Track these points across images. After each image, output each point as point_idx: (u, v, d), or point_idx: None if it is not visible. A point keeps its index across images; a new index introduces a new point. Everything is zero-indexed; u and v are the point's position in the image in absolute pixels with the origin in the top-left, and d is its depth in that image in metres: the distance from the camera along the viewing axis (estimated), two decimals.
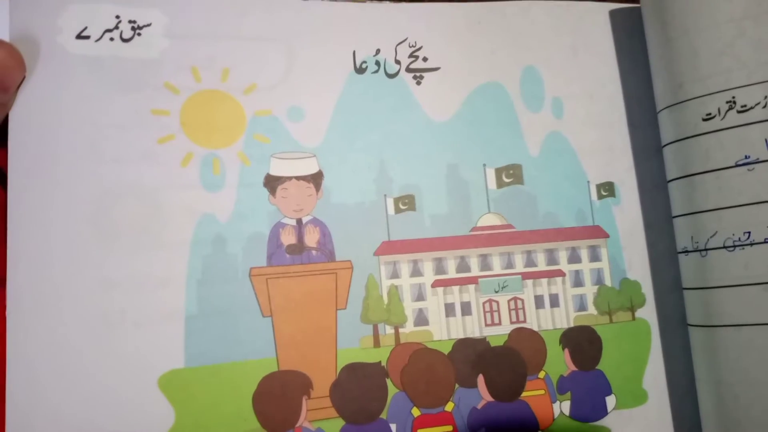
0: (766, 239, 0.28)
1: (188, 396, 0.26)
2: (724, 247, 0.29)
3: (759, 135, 0.28)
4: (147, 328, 0.26)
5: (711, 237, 0.29)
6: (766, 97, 0.28)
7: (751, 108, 0.28)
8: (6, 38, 0.25)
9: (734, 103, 0.28)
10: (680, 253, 0.31)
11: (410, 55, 0.31)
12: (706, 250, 0.29)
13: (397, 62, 0.31)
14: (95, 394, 0.25)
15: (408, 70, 0.31)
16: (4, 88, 0.24)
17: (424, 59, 0.31)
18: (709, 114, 0.29)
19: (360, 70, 0.30)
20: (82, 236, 0.26)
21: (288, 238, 0.28)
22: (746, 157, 0.28)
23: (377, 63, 0.31)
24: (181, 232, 0.27)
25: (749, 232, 0.28)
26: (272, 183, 0.28)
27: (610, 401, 0.31)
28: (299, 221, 0.29)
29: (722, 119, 0.29)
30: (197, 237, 0.27)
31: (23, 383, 0.25)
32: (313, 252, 0.29)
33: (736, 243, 0.28)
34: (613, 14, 0.34)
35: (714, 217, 0.29)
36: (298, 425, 0.27)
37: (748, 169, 0.28)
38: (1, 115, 0.25)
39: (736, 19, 0.28)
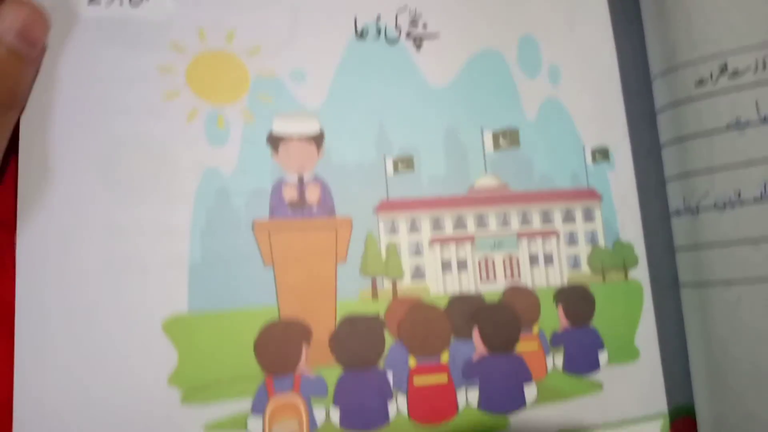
0: (755, 198, 0.28)
1: (191, 340, 0.27)
2: (715, 207, 0.29)
3: (750, 98, 0.29)
4: (152, 274, 0.27)
5: (703, 198, 0.30)
6: (757, 60, 0.28)
7: (744, 72, 0.29)
8: None
9: (726, 67, 0.29)
10: (673, 215, 0.31)
11: (410, 22, 0.32)
12: (697, 210, 0.30)
13: (398, 29, 0.32)
14: (101, 335, 0.26)
15: (408, 36, 0.32)
16: (31, 42, 0.25)
17: (424, 26, 0.32)
18: (702, 79, 0.30)
19: (361, 35, 0.31)
20: (91, 186, 0.27)
21: (290, 194, 0.29)
22: (737, 120, 0.29)
23: (378, 29, 0.32)
24: (186, 183, 0.28)
25: (740, 191, 0.29)
26: (275, 141, 0.30)
27: (603, 357, 0.31)
28: (301, 178, 0.30)
29: (715, 84, 0.29)
30: (202, 189, 0.28)
31: (31, 323, 0.26)
32: (314, 208, 0.30)
33: (727, 203, 0.29)
34: None
35: (706, 179, 0.30)
36: (297, 370, 0.28)
37: (739, 132, 0.29)
38: (31, 73, 0.26)
39: None
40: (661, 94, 0.31)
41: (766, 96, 0.28)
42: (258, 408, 0.28)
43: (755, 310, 0.28)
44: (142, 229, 0.27)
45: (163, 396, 0.26)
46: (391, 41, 0.32)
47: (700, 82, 0.29)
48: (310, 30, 0.31)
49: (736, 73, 0.28)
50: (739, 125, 0.29)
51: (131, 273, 0.27)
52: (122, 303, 0.27)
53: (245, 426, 0.27)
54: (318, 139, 0.30)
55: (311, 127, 0.30)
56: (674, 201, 0.31)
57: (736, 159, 0.29)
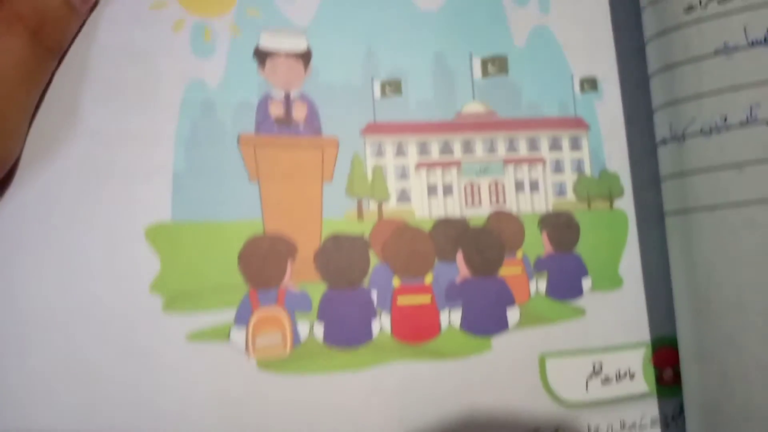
0: (741, 122, 0.28)
1: (174, 248, 0.27)
2: (702, 132, 0.29)
3: (738, 23, 0.29)
4: (135, 180, 0.27)
5: (689, 124, 0.30)
6: None
7: None
8: None
9: None
10: (659, 144, 0.32)
11: None
12: (684, 137, 0.30)
13: None
14: (83, 240, 0.26)
15: None
16: None
17: None
18: (691, 5, 0.30)
19: None
20: (75, 92, 0.27)
21: (276, 110, 0.29)
22: (725, 45, 0.29)
23: None
24: (171, 93, 0.28)
25: (726, 116, 0.29)
26: (262, 56, 0.29)
27: (586, 283, 0.32)
28: (287, 95, 0.29)
29: (704, 9, 0.29)
30: (186, 100, 0.28)
31: (10, 227, 0.26)
32: (301, 126, 0.30)
33: (713, 128, 0.29)
34: None
35: (693, 105, 0.30)
36: (282, 285, 0.28)
37: (727, 57, 0.29)
38: (76, 27, 0.27)
39: None
40: (650, 23, 0.31)
41: (755, 20, 0.28)
42: (241, 319, 0.28)
43: (738, 233, 0.28)
44: (126, 137, 0.27)
45: (145, 303, 0.27)
46: None
47: (690, 8, 0.29)
48: None
49: None
50: (727, 50, 0.29)
51: (114, 180, 0.27)
52: (105, 209, 0.27)
53: (228, 337, 0.27)
54: (305, 57, 0.30)
55: (299, 44, 0.30)
56: (661, 130, 0.31)
57: (724, 84, 0.29)
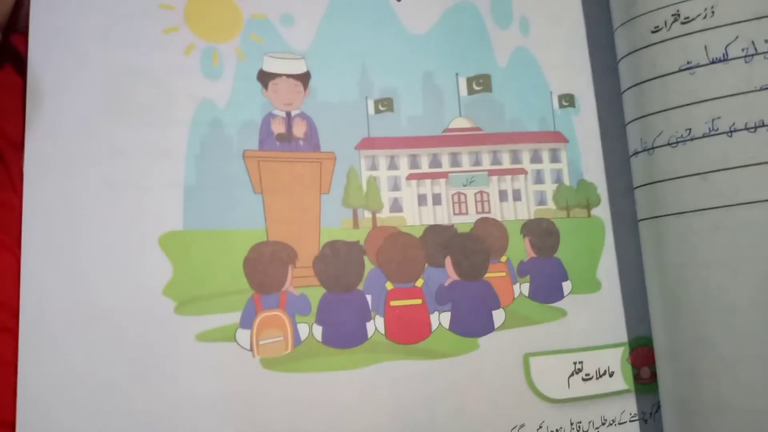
0: (704, 134, 0.31)
1: (185, 255, 0.29)
2: (669, 144, 0.32)
3: (699, 43, 0.31)
4: (150, 193, 0.29)
5: (657, 136, 0.32)
6: (705, 8, 0.31)
7: (694, 19, 0.31)
8: None
9: (679, 15, 0.32)
10: (632, 156, 0.34)
11: None
12: (653, 148, 0.32)
13: None
14: (102, 247, 0.28)
15: None
16: None
17: None
18: (657, 26, 0.32)
19: None
20: (94, 110, 0.29)
21: (278, 128, 0.32)
22: (688, 63, 0.31)
23: None
24: (182, 112, 0.30)
25: (690, 129, 0.31)
26: (265, 78, 0.32)
27: (566, 286, 0.34)
28: (288, 114, 0.32)
29: (668, 30, 0.32)
30: (197, 118, 0.30)
31: (37, 233, 0.28)
32: (300, 142, 0.32)
33: (679, 139, 0.32)
34: None
35: (660, 118, 0.32)
36: (283, 289, 0.31)
37: (690, 74, 0.31)
38: (9, 4, 0.28)
39: None
40: (621, 43, 0.34)
41: (713, 40, 0.31)
42: (246, 321, 0.30)
43: (703, 237, 0.31)
44: (142, 151, 0.29)
45: (158, 305, 0.29)
46: None
47: (656, 29, 0.32)
48: None
49: (687, 20, 0.31)
50: (689, 68, 0.31)
51: (131, 191, 0.29)
52: (122, 218, 0.29)
53: (234, 337, 0.30)
54: (304, 79, 0.32)
55: (298, 67, 0.32)
56: (633, 142, 0.34)
57: (687, 99, 0.31)
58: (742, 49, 0.30)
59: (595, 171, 0.35)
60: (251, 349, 0.30)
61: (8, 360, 0.27)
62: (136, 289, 0.28)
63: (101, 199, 0.29)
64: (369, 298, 0.32)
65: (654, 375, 0.33)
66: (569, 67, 0.36)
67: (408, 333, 0.32)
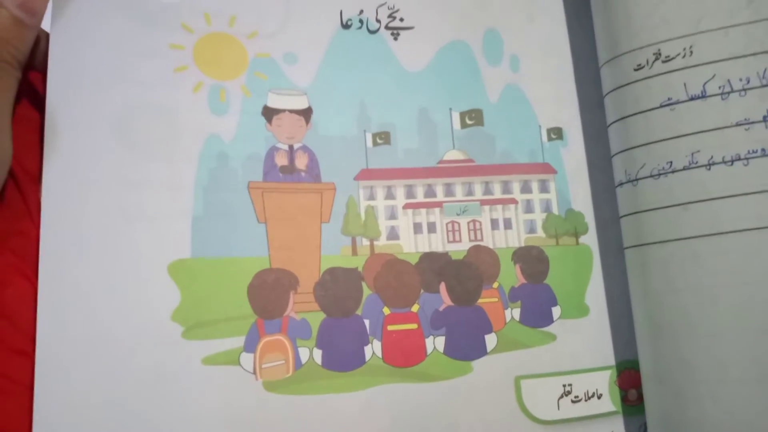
0: (685, 167, 0.33)
1: (193, 281, 0.31)
2: (651, 176, 0.33)
3: (679, 80, 0.33)
4: (160, 223, 0.31)
5: (641, 168, 0.34)
6: (684, 48, 0.33)
7: (674, 58, 0.33)
8: None
9: (660, 54, 0.33)
10: (618, 186, 0.36)
11: (389, 16, 0.37)
12: (637, 180, 0.34)
13: (378, 21, 0.36)
14: (114, 274, 0.30)
15: (387, 27, 0.36)
16: (32, 11, 0.29)
17: (401, 19, 0.37)
18: (640, 64, 0.34)
19: (346, 26, 0.36)
20: (108, 145, 0.31)
21: (281, 160, 0.33)
22: (669, 99, 0.33)
23: (360, 21, 0.36)
24: (191, 146, 0.32)
25: (671, 162, 0.33)
26: (269, 113, 0.34)
27: (556, 311, 0.35)
28: (291, 147, 0.34)
29: (650, 68, 0.34)
30: (204, 152, 0.32)
31: (54, 261, 0.29)
32: (302, 173, 0.34)
33: (661, 172, 0.33)
34: None
35: (643, 151, 0.34)
36: (285, 314, 0.32)
37: (671, 110, 0.33)
38: (31, 38, 0.29)
39: None
40: (606, 80, 0.36)
41: (693, 78, 0.33)
42: (250, 346, 0.31)
43: (685, 265, 0.32)
44: (152, 184, 0.31)
45: (166, 330, 0.30)
46: (372, 32, 0.36)
47: (639, 67, 0.34)
48: (302, 19, 0.35)
49: (668, 59, 0.33)
50: (670, 104, 0.33)
51: (142, 222, 0.31)
52: (133, 247, 0.30)
53: (238, 361, 0.31)
54: (306, 114, 0.34)
55: (301, 103, 0.34)
56: (618, 174, 0.35)
57: (668, 134, 0.33)
58: (719, 87, 0.32)
59: (582, 201, 0.37)
60: (254, 372, 0.31)
61: (25, 382, 0.28)
62: (146, 315, 0.30)
63: (114, 228, 0.30)
64: (367, 322, 0.33)
65: (641, 397, 0.35)
66: (557, 102, 0.38)
67: (404, 356, 0.33)
